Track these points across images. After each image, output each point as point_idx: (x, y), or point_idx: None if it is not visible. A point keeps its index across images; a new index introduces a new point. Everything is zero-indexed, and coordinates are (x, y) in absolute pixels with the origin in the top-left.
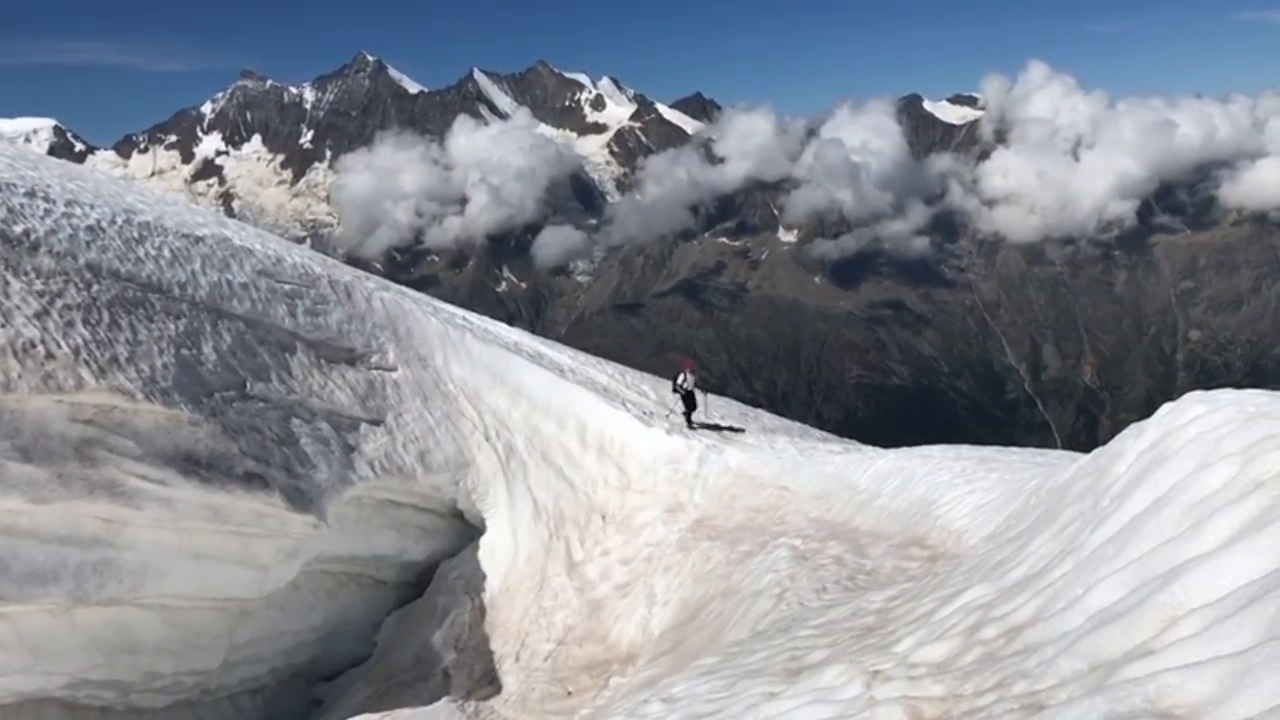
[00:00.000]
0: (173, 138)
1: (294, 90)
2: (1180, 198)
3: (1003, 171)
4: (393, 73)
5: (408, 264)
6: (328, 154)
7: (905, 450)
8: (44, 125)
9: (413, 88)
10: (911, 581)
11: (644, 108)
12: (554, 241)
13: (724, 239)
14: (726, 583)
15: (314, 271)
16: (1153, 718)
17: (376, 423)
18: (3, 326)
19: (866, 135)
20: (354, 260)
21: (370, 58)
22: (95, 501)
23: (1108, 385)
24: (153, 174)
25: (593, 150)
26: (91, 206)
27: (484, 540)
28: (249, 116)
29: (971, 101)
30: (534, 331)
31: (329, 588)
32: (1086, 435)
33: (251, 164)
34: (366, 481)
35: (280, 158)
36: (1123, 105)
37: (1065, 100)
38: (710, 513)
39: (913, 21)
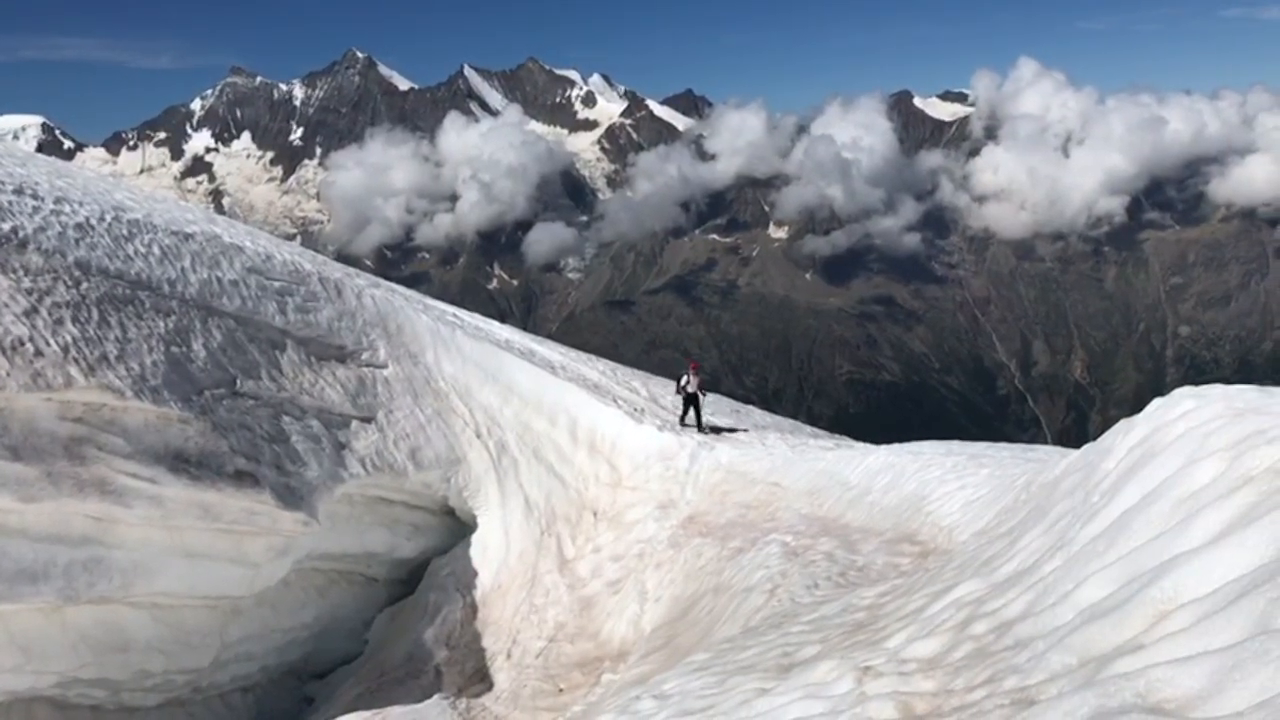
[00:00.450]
0: (162, 134)
1: (284, 87)
2: (1170, 194)
3: (993, 168)
4: (383, 69)
5: (398, 261)
6: (318, 151)
7: (896, 446)
8: (32, 122)
9: (403, 84)
10: (902, 577)
11: (635, 104)
12: (545, 238)
13: (715, 235)
14: (718, 579)
15: (304, 269)
16: (1143, 712)
17: (367, 420)
18: None
19: (857, 132)
20: (344, 257)
21: (360, 54)
22: (85, 500)
23: (1098, 381)
24: (142, 171)
25: (583, 147)
26: (80, 204)
27: (475, 537)
28: (239, 113)
29: (962, 98)
30: (525, 328)
31: (320, 585)
32: (1077, 431)
33: (241, 161)
34: (357, 479)
35: (270, 154)
36: (1112, 102)
37: (1055, 97)
38: (702, 509)
39: (903, 18)
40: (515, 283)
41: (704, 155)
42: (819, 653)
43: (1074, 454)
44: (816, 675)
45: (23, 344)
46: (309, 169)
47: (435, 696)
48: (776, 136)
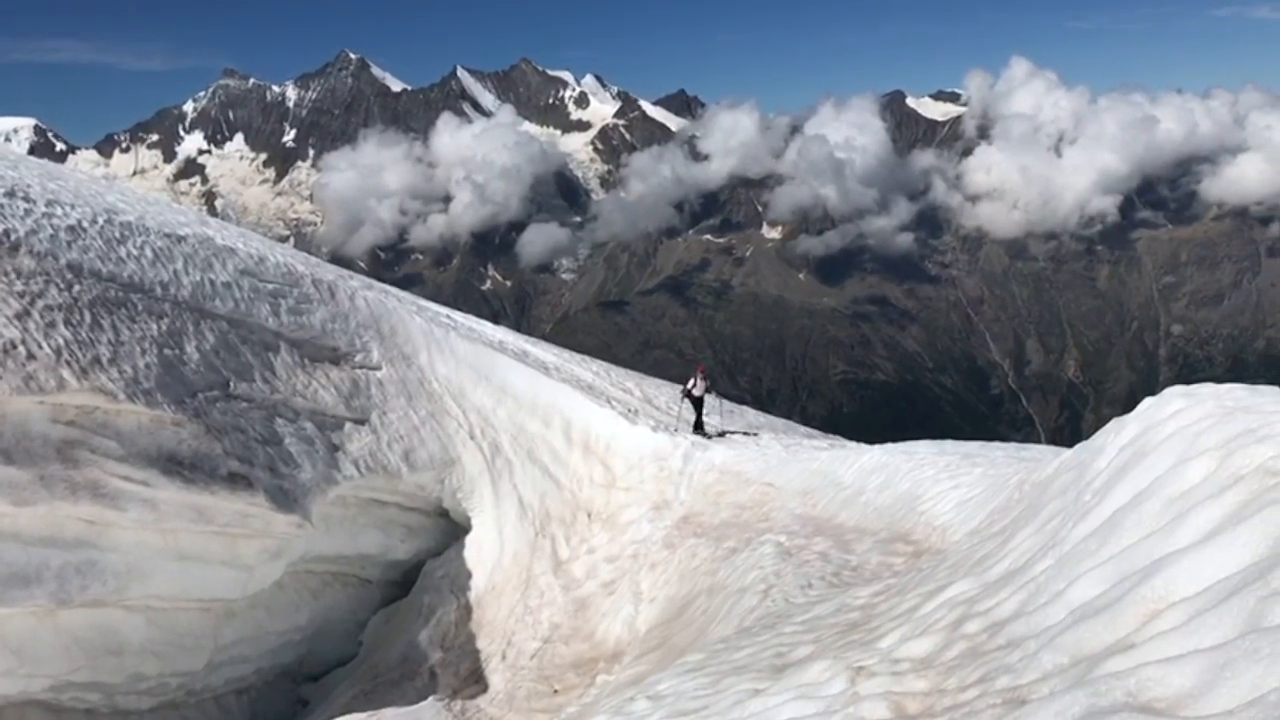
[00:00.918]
0: (155, 137)
1: (276, 89)
2: (1162, 193)
3: (986, 167)
4: (376, 71)
5: (392, 262)
6: (311, 153)
7: (890, 446)
8: (24, 124)
9: (396, 86)
10: (896, 577)
11: (628, 105)
12: (538, 239)
13: (708, 236)
14: (712, 579)
15: (297, 270)
16: (1134, 711)
17: (361, 422)
18: None
19: (850, 132)
20: (337, 259)
21: (353, 56)
22: (78, 503)
23: (1091, 380)
24: (134, 173)
25: (577, 148)
26: (72, 206)
27: (470, 539)
28: (231, 115)
29: (954, 98)
30: (519, 329)
31: (314, 587)
32: (1070, 430)
33: (234, 163)
34: (351, 481)
35: (263, 156)
36: (1105, 101)
37: (1048, 96)
38: (696, 510)
39: (896, 18)
40: (509, 284)
41: (697, 156)
42: (812, 653)
43: (1066, 454)
44: (810, 675)
45: (15, 347)
46: (302, 170)
47: (430, 698)
48: (770, 137)
